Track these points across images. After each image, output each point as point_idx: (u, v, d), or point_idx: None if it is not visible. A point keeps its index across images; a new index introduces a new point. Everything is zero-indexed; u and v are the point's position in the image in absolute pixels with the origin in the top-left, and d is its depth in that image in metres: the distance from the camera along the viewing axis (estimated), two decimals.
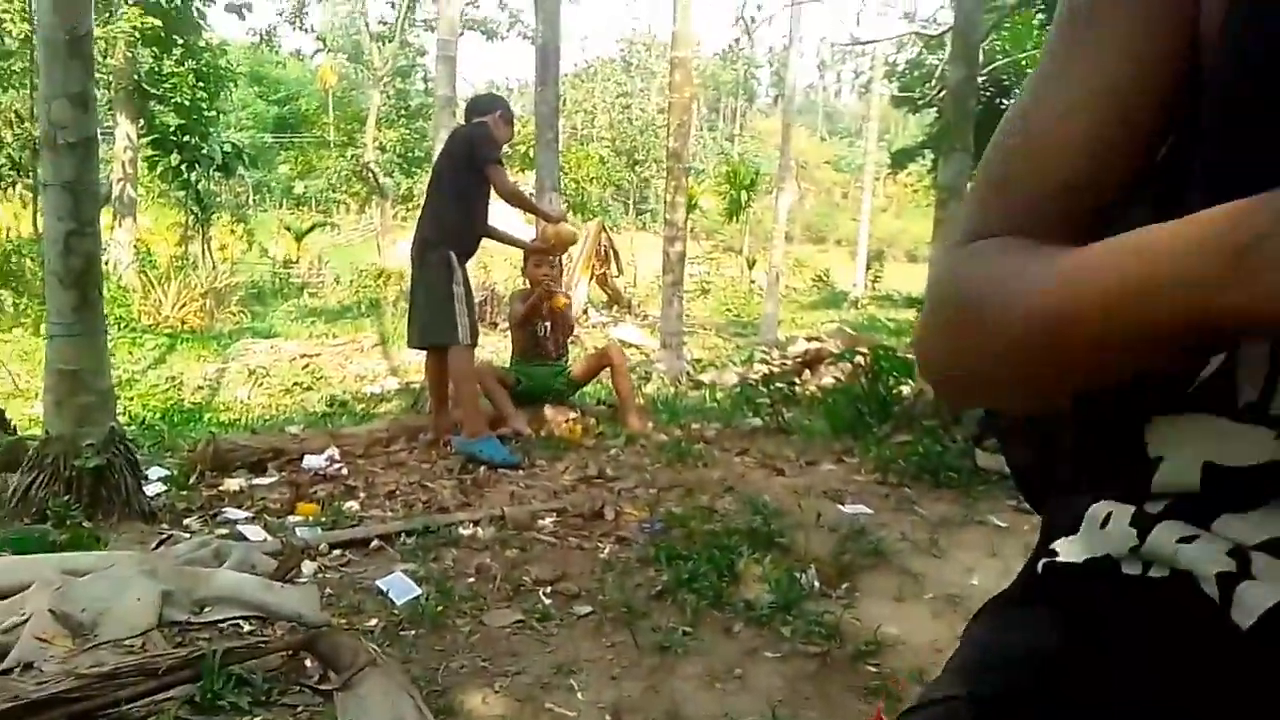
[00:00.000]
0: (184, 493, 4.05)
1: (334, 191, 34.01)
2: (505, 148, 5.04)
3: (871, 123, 26.67)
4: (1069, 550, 0.55)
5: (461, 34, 26.14)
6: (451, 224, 4.81)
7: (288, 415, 7.69)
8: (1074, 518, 0.55)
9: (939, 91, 12.28)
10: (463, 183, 4.78)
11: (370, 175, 25.78)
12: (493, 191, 4.87)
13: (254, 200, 35.59)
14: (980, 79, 7.38)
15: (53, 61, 3.48)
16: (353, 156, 28.69)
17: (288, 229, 25.41)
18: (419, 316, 4.95)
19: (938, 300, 0.58)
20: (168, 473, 4.34)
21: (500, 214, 5.50)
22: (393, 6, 27.32)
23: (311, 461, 4.56)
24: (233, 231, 24.71)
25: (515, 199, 5.03)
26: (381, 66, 26.20)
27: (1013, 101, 0.61)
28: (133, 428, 6.34)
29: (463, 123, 5.35)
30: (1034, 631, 0.55)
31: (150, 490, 3.98)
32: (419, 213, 5.13)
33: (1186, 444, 0.50)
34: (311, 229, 26.32)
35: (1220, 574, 0.46)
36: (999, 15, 11.20)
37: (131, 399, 8.16)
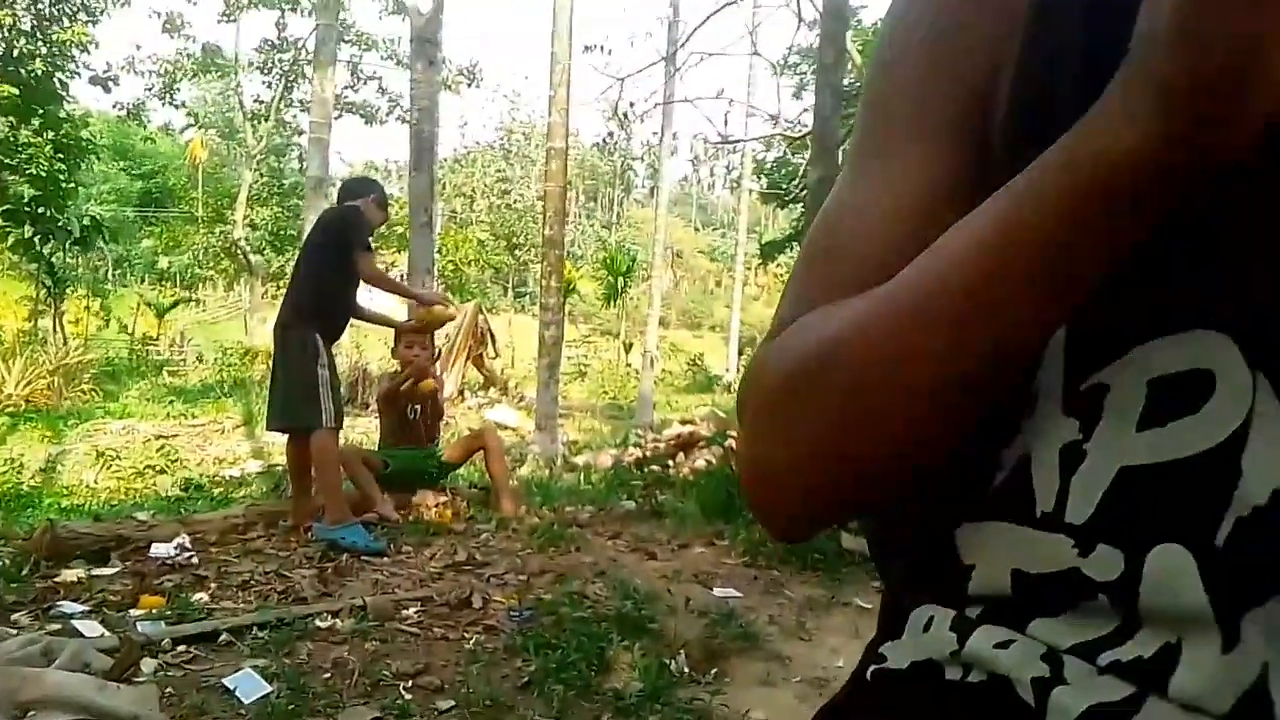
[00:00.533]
0: (14, 585, 3.75)
1: (200, 268, 33.03)
2: (382, 228, 5.00)
3: (742, 215, 27.63)
4: (895, 655, 0.55)
5: (339, 116, 26.14)
6: (317, 304, 4.70)
7: (137, 500, 7.27)
8: (899, 621, 0.56)
9: (803, 189, 12.84)
10: (330, 264, 4.69)
11: (240, 252, 25.16)
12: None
13: (114, 275, 34.15)
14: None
15: None
16: (221, 233, 28.01)
17: (149, 305, 24.39)
18: (280, 398, 4.79)
19: (755, 390, 0.54)
20: None
21: (381, 293, 5.41)
22: (269, 86, 27.13)
23: (159, 550, 4.29)
24: (88, 307, 23.57)
25: (381, 283, 4.95)
26: (255, 144, 25.84)
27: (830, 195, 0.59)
28: None
29: (335, 204, 5.29)
30: None
31: None
32: (284, 291, 5.00)
33: (993, 552, 0.50)
34: (174, 305, 25.38)
35: (1035, 679, 0.46)
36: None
37: None
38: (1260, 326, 0.44)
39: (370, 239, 4.80)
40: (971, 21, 0.53)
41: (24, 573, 3.89)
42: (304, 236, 5.65)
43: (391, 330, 5.82)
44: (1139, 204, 0.40)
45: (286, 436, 5.00)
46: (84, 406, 12.14)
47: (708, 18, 8.38)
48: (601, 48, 10.51)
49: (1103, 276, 0.43)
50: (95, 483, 8.36)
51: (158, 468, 8.85)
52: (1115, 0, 0.45)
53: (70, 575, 3.91)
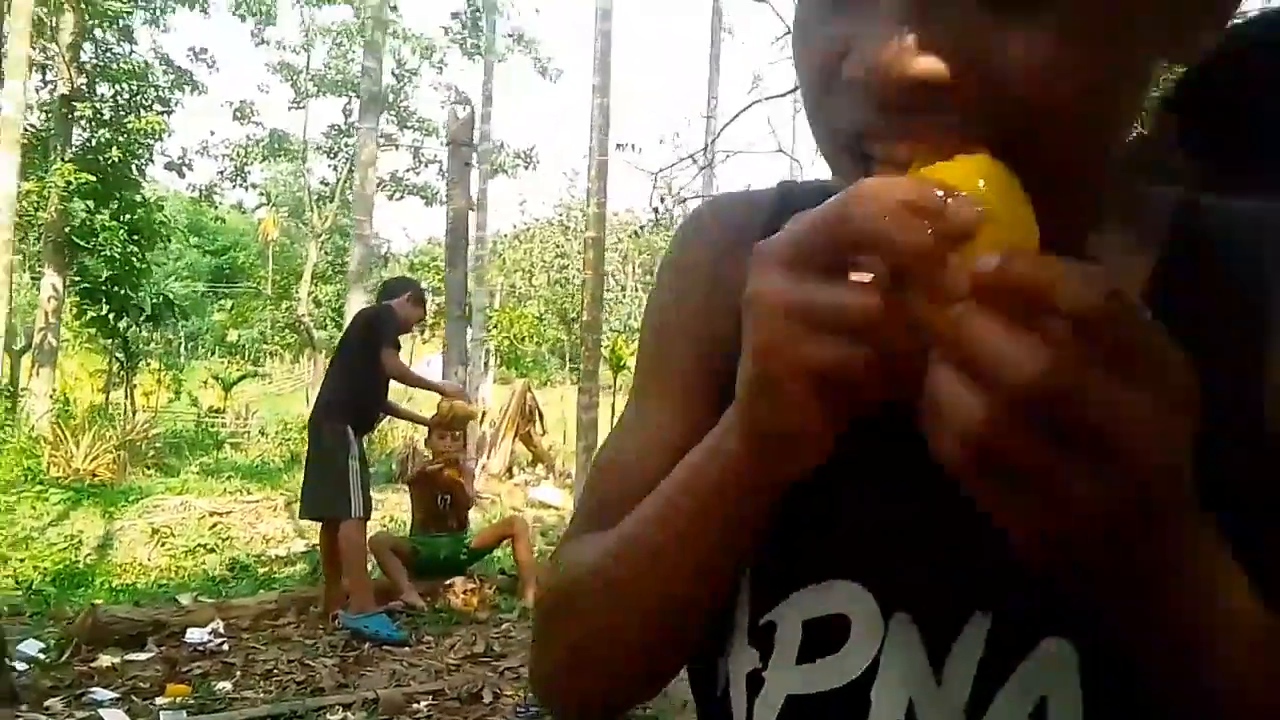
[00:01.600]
0: (53, 671, 3.96)
1: (266, 342, 34.03)
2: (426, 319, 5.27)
3: None
4: None
5: (401, 197, 26.96)
6: (349, 399, 4.95)
7: (184, 580, 7.49)
8: None
9: None
10: (362, 361, 4.94)
11: (303, 327, 25.91)
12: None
13: (186, 349, 35.33)
14: None
15: None
16: (287, 308, 28.88)
17: (216, 378, 25.14)
18: (311, 488, 5.03)
19: (536, 604, 0.68)
20: (42, 646, 4.24)
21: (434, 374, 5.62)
22: (334, 169, 28.16)
23: (193, 636, 4.50)
24: (159, 380, 24.37)
25: (406, 380, 5.20)
26: (320, 224, 26.76)
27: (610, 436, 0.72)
28: (19, 594, 6.16)
29: (374, 301, 5.57)
30: None
31: (20, 666, 3.89)
32: (320, 384, 5.26)
33: None
34: (241, 379, 26.07)
35: None
36: None
37: (23, 560, 7.89)
38: (890, 576, 0.57)
39: (399, 337, 5.04)
40: (712, 316, 0.65)
41: (63, 658, 4.11)
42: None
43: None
44: (749, 493, 0.52)
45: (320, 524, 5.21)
46: (145, 482, 12.51)
47: (731, 120, 8.63)
48: (633, 145, 10.83)
49: (765, 530, 0.55)
50: (148, 560, 8.61)
51: (208, 546, 9.09)
52: None
53: (106, 660, 4.12)
